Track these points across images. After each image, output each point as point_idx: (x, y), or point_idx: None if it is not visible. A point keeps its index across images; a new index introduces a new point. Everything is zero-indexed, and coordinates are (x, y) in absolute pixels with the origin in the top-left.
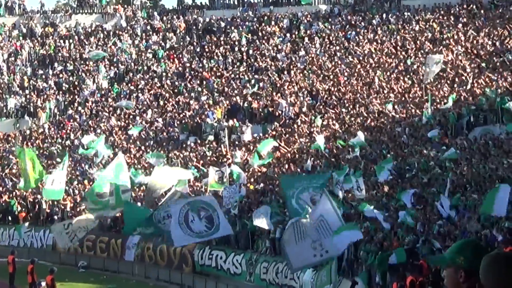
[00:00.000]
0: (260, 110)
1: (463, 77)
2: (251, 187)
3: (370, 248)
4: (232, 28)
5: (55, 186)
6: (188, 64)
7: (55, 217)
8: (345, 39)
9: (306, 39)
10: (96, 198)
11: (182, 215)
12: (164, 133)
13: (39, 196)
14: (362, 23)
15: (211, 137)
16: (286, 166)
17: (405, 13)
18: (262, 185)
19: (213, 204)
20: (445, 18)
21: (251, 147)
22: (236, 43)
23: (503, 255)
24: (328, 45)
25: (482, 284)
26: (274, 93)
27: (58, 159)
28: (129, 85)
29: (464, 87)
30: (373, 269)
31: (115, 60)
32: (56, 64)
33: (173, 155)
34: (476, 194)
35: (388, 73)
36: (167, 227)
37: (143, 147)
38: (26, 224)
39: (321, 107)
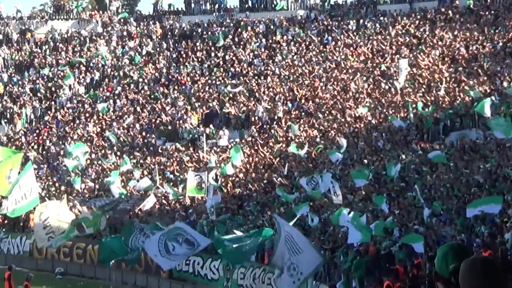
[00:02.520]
0: (237, 115)
1: (438, 82)
2: (228, 190)
3: (347, 253)
4: (209, 33)
5: (23, 202)
6: (164, 70)
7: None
8: (321, 44)
9: (283, 44)
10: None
11: (162, 246)
12: (141, 139)
13: None
14: (339, 29)
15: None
16: (263, 171)
17: (381, 18)
18: (239, 191)
19: (184, 227)
20: (422, 23)
21: (227, 152)
22: (213, 48)
23: (480, 259)
24: (304, 50)
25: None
26: (251, 99)
27: (35, 166)
28: (106, 91)
29: (439, 92)
30: (350, 274)
31: (91, 65)
32: (32, 70)
33: (149, 161)
34: (455, 199)
35: (365, 78)
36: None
37: (119, 153)
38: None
39: (297, 112)
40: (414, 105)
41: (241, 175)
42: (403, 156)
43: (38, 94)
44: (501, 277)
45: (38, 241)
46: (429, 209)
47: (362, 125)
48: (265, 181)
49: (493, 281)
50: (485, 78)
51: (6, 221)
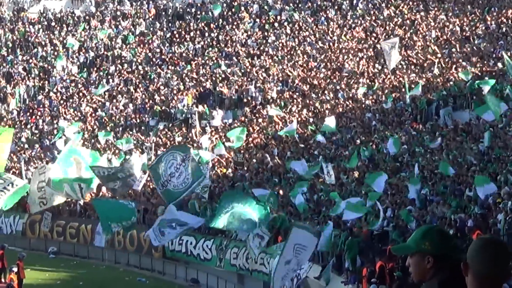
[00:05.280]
0: (230, 95)
1: (432, 63)
2: (223, 170)
3: (340, 234)
4: (203, 13)
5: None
6: (158, 50)
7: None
8: (314, 24)
9: (276, 24)
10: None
11: (158, 233)
12: (134, 119)
13: None
14: (332, 9)
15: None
16: (255, 152)
17: None
18: (230, 170)
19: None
20: (415, 3)
21: (220, 133)
22: (206, 28)
23: (492, 240)
24: (298, 31)
25: (469, 266)
26: (244, 79)
27: (27, 146)
28: (99, 71)
29: (433, 73)
30: (343, 254)
31: (85, 46)
32: (25, 50)
33: (143, 141)
34: (449, 180)
35: (358, 59)
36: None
37: (113, 133)
38: None
39: (291, 92)
40: (412, 86)
41: (232, 154)
42: (396, 137)
43: (31, 74)
44: (509, 259)
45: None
46: (418, 190)
47: (355, 106)
48: (257, 161)
49: (503, 263)
50: (479, 59)
51: None
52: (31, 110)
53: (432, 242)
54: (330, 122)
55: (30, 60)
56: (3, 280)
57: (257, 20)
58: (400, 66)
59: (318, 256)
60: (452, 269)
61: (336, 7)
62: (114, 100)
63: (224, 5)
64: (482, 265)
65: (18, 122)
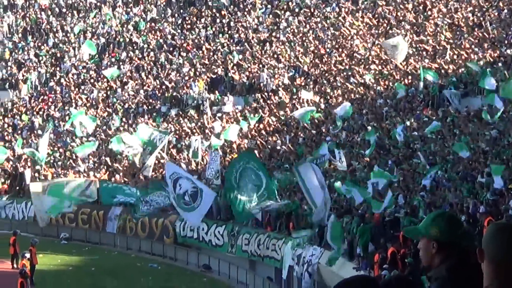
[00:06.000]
0: (242, 82)
1: (444, 49)
2: (235, 156)
3: (351, 220)
4: None
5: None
6: (169, 36)
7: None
8: (326, 10)
9: (288, 11)
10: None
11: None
12: (145, 105)
13: (21, 168)
14: None
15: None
16: (269, 138)
17: None
18: None
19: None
20: None
21: (232, 120)
22: (217, 14)
23: (507, 225)
24: (309, 17)
25: (484, 252)
26: (256, 65)
27: (40, 131)
28: (110, 57)
29: (444, 59)
30: (355, 240)
31: (96, 32)
32: (37, 36)
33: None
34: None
35: (370, 45)
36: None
37: (124, 119)
38: (5, 197)
39: (302, 79)
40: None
41: (245, 141)
42: (408, 123)
43: (43, 60)
44: None
45: (39, 220)
46: (431, 177)
47: (367, 92)
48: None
49: None
50: (490, 45)
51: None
52: (42, 97)
53: (440, 228)
54: (346, 107)
55: (42, 47)
56: (15, 265)
57: (269, 6)
58: (411, 52)
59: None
60: (460, 256)
61: None
62: (126, 87)
63: None
64: (498, 250)
65: (29, 109)
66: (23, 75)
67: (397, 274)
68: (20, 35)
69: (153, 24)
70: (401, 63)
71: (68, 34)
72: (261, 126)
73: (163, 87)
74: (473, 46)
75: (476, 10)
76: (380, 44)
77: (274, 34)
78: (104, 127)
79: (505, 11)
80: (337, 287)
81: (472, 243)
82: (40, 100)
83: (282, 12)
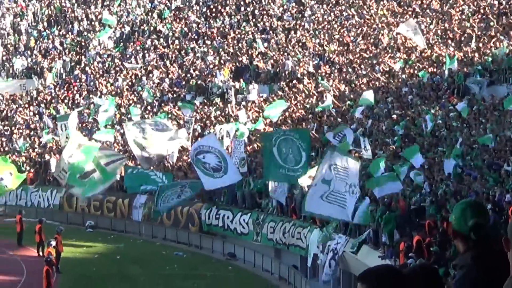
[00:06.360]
0: (266, 70)
1: (469, 37)
2: (259, 144)
3: (377, 208)
4: None
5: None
6: (194, 24)
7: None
8: None
9: None
10: (79, 180)
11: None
12: (170, 94)
13: (47, 157)
14: None
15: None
16: (294, 126)
17: None
18: None
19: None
20: None
21: (257, 108)
22: (242, 2)
23: None
24: (334, 5)
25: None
26: (280, 53)
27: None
28: (135, 45)
29: (470, 47)
30: (380, 228)
31: (121, 20)
32: (61, 25)
33: (178, 116)
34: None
35: (395, 33)
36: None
37: (149, 107)
38: (33, 185)
39: (327, 67)
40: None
41: (270, 129)
42: (433, 111)
43: (68, 48)
44: None
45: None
46: (455, 164)
47: (392, 80)
48: None
49: None
50: None
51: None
52: (67, 85)
53: (455, 217)
54: (369, 95)
55: (67, 35)
56: (41, 253)
57: None
58: (436, 41)
59: (355, 230)
60: (486, 245)
61: None
62: (150, 75)
63: None
64: None
65: (55, 97)
66: (48, 64)
67: (422, 262)
68: (45, 23)
69: (177, 12)
70: (425, 51)
71: (93, 23)
72: (287, 114)
73: (188, 75)
74: (498, 34)
75: None
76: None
77: (299, 22)
78: (129, 115)
79: None
80: (361, 276)
81: (487, 233)
82: (65, 88)
83: (307, 0)
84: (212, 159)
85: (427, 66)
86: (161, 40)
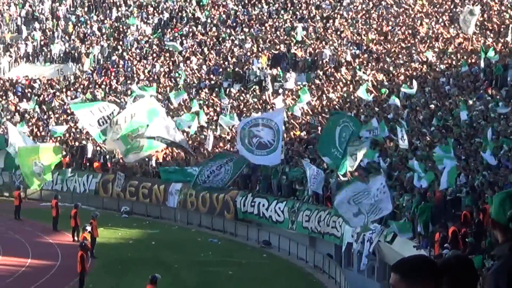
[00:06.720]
0: (304, 58)
1: (507, 28)
2: (297, 133)
3: (412, 198)
4: None
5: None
6: (232, 12)
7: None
8: None
9: None
10: (128, 140)
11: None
12: (207, 81)
13: (84, 142)
14: None
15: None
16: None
17: None
18: (305, 133)
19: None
20: None
21: (294, 95)
22: None
23: None
24: None
25: None
26: (318, 42)
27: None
28: (173, 32)
29: (507, 38)
30: (415, 218)
31: (160, 7)
32: (100, 10)
33: (215, 103)
34: None
35: (433, 23)
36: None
37: (186, 95)
38: (69, 169)
39: (365, 56)
40: (485, 51)
41: (307, 117)
42: (470, 102)
43: (106, 34)
44: None
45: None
46: (492, 155)
47: (429, 70)
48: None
49: None
50: None
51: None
52: (104, 70)
53: (494, 208)
54: (414, 85)
55: (105, 21)
56: (76, 238)
57: None
58: (475, 31)
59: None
60: None
61: None
62: (188, 61)
63: None
64: None
65: (92, 82)
66: (86, 49)
67: (456, 253)
68: (83, 9)
69: None
70: (465, 41)
71: (131, 8)
72: (324, 103)
73: (225, 63)
74: None
75: None
76: (445, 22)
77: (337, 11)
78: (167, 102)
79: None
80: (394, 266)
81: None
82: (102, 73)
83: None
84: (269, 135)
85: (465, 57)
86: (199, 27)
